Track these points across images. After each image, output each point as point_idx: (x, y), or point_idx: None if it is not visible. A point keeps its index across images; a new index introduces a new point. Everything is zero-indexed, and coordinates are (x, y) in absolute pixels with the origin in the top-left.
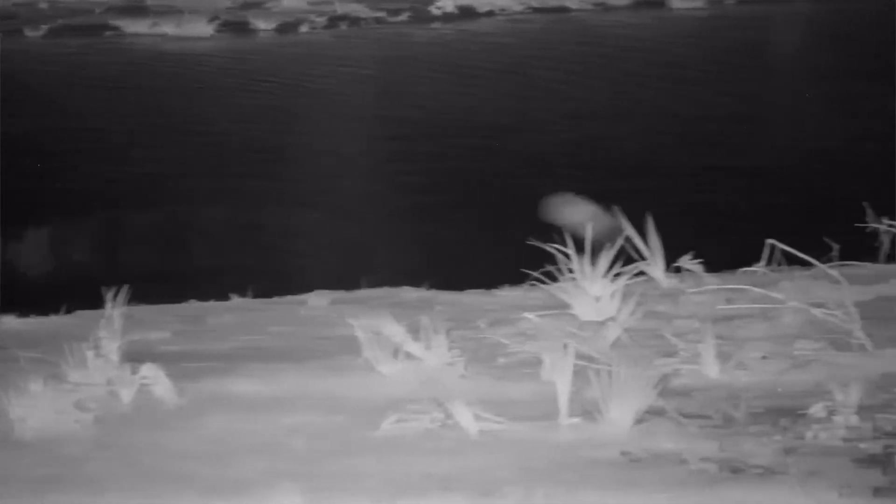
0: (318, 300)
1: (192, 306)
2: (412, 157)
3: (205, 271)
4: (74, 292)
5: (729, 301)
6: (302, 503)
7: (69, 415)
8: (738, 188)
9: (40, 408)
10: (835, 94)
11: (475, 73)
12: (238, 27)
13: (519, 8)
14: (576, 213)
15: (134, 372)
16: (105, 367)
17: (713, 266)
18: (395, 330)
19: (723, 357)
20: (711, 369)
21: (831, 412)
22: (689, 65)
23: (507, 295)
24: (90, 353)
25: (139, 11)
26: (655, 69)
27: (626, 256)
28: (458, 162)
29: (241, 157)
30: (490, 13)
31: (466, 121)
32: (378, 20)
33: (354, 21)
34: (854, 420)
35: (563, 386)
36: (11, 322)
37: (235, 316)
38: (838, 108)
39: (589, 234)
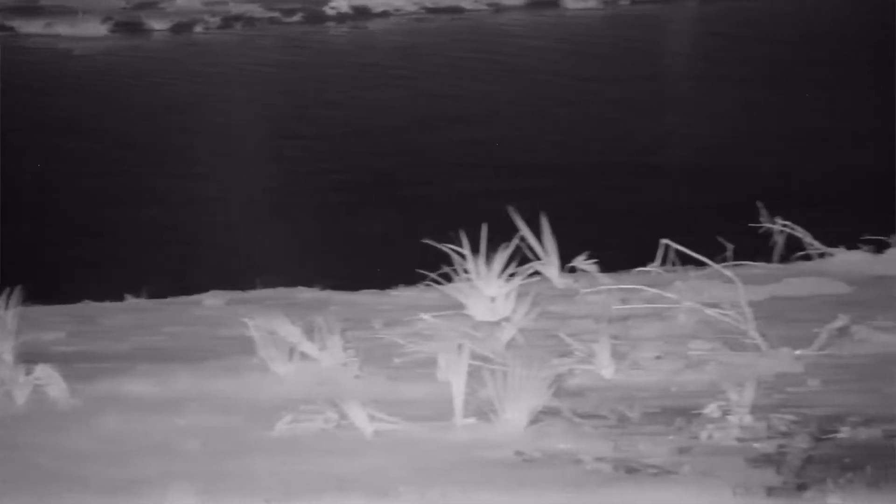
0: (213, 300)
1: (87, 307)
2: (309, 156)
3: (99, 271)
4: None
5: (624, 301)
6: (196, 503)
7: None
8: (632, 187)
9: None
10: (732, 93)
11: (375, 73)
12: (132, 27)
13: (413, 8)
14: None
15: (28, 373)
16: None
17: (608, 266)
18: (289, 330)
19: (617, 357)
20: (606, 369)
21: (725, 412)
22: (585, 63)
23: (401, 295)
24: None
25: (33, 12)
26: (551, 67)
27: (522, 256)
28: (354, 161)
29: (138, 156)
30: (385, 13)
31: (363, 121)
32: (272, 20)
33: (249, 21)
34: (748, 420)
35: (457, 386)
36: None
37: (130, 316)
38: (734, 106)
39: (484, 235)
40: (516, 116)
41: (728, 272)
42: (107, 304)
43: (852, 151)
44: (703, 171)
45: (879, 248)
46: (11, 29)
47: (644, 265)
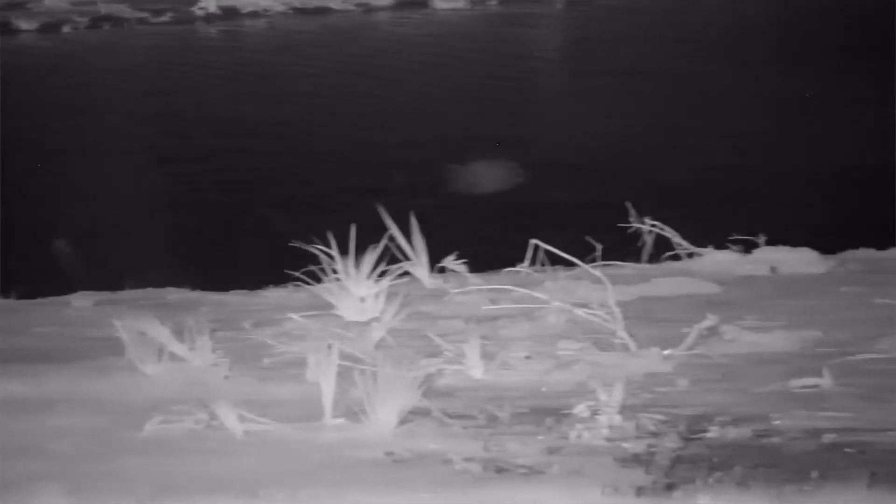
0: (82, 301)
1: None
2: (182, 156)
3: None
4: None
5: (493, 301)
6: None
7: None
8: (503, 187)
9: None
10: (602, 92)
11: (244, 73)
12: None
13: (282, 9)
14: None
15: None
16: None
17: (477, 266)
18: (159, 331)
19: (487, 357)
20: (475, 369)
21: (595, 412)
22: (451, 63)
23: (271, 296)
24: None
25: None
26: (418, 67)
27: (391, 257)
28: (222, 163)
29: (5, 156)
30: (254, 14)
31: (229, 122)
32: (141, 21)
33: (118, 21)
34: (617, 420)
35: (327, 387)
36: None
37: None
38: (604, 105)
39: (353, 236)
40: (390, 116)
41: (597, 272)
42: None
43: (722, 152)
44: (573, 169)
45: (747, 248)
46: None
47: (513, 265)
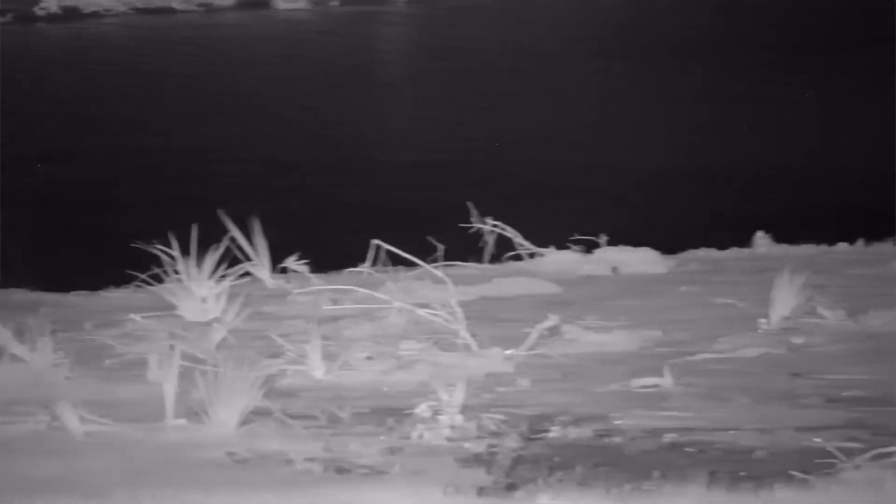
0: None
1: None
2: (31, 155)
3: None
4: None
5: (335, 302)
6: None
7: None
8: (344, 186)
9: None
10: (448, 90)
11: (93, 72)
12: None
13: (123, 8)
14: None
15: None
16: None
17: (319, 266)
18: None
19: (329, 357)
20: (317, 370)
21: (436, 412)
22: (295, 63)
23: (112, 297)
24: None
25: None
26: (263, 67)
27: (233, 257)
28: (63, 165)
29: None
30: (95, 14)
31: (78, 119)
32: None
33: None
34: (458, 420)
35: (168, 387)
36: None
37: None
38: (451, 103)
39: (194, 237)
40: (241, 114)
41: (439, 272)
42: None
43: (570, 150)
44: (415, 168)
45: (589, 248)
46: None
47: (355, 266)
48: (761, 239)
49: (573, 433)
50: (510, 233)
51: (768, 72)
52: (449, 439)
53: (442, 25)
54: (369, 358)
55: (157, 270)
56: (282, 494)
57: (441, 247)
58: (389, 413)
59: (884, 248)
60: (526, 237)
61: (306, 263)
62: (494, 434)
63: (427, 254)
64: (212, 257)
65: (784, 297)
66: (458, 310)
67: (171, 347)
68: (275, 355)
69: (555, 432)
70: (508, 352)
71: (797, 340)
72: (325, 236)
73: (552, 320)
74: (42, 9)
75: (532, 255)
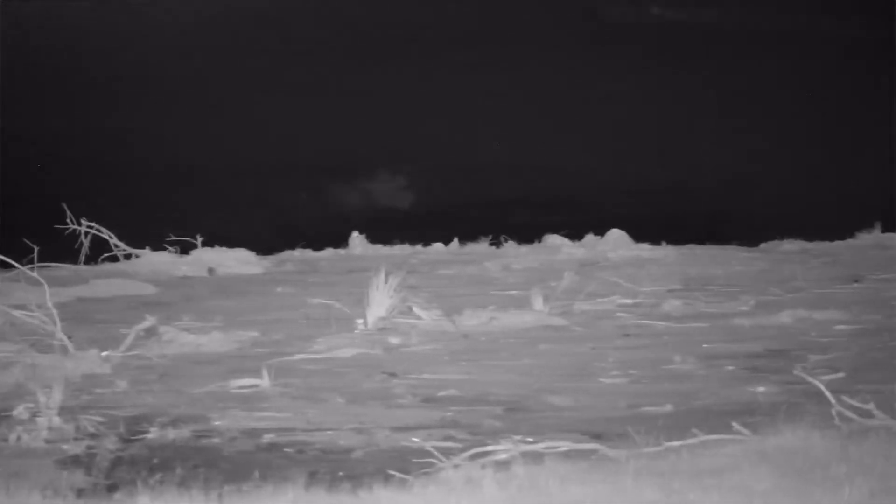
0: None
1: None
2: None
3: None
4: None
5: None
6: None
7: None
8: None
9: None
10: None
11: None
12: None
13: None
14: None
15: None
16: None
17: None
18: None
19: None
20: None
21: (34, 413)
22: None
23: None
24: None
25: None
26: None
27: None
28: None
29: None
30: None
31: None
32: None
33: None
34: (56, 421)
35: None
36: None
37: None
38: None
39: None
40: None
41: (34, 274)
42: None
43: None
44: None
45: (186, 249)
46: None
47: None
48: (356, 239)
49: (172, 434)
50: (106, 234)
51: None
52: (47, 441)
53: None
54: None
55: None
56: None
57: (36, 248)
58: None
59: (478, 247)
60: (122, 238)
61: None
62: (93, 436)
63: (23, 255)
64: None
65: (379, 297)
66: (54, 311)
67: None
68: None
69: (153, 433)
70: (105, 353)
71: (393, 340)
72: None
73: (149, 321)
74: None
75: (129, 256)
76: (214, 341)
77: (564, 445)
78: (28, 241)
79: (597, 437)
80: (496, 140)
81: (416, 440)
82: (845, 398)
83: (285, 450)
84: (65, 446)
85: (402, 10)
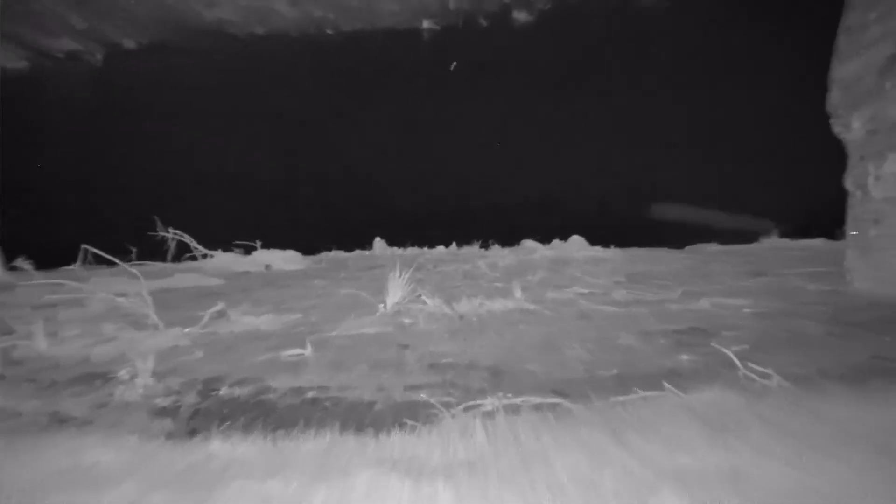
0: None
1: None
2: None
3: None
4: None
5: (53, 291)
6: None
7: None
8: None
9: None
10: None
11: None
12: None
13: None
14: None
15: None
16: None
17: (41, 264)
18: None
19: (50, 335)
20: (41, 344)
21: (133, 376)
22: None
23: None
24: None
25: None
26: None
27: None
28: None
29: None
30: None
31: None
32: None
33: None
34: (150, 382)
35: None
36: None
37: None
38: None
39: None
40: None
41: (132, 269)
42: None
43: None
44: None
45: (248, 250)
46: None
47: (69, 265)
48: (378, 243)
49: (237, 392)
50: (187, 239)
51: None
52: (142, 397)
53: None
54: (79, 335)
55: None
56: (12, 440)
57: (134, 249)
58: (96, 377)
59: (471, 249)
60: (199, 242)
61: (30, 262)
62: (177, 393)
63: (125, 255)
64: None
65: (395, 288)
66: (148, 298)
67: None
68: (6, 333)
69: (223, 391)
70: (186, 330)
71: (406, 321)
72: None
73: (219, 306)
74: None
75: (204, 256)
76: (267, 322)
77: (536, 400)
78: (127, 245)
79: (561, 394)
80: (496, 141)
81: (423, 396)
82: (750, 364)
83: (324, 404)
84: (156, 401)
85: (403, 47)
